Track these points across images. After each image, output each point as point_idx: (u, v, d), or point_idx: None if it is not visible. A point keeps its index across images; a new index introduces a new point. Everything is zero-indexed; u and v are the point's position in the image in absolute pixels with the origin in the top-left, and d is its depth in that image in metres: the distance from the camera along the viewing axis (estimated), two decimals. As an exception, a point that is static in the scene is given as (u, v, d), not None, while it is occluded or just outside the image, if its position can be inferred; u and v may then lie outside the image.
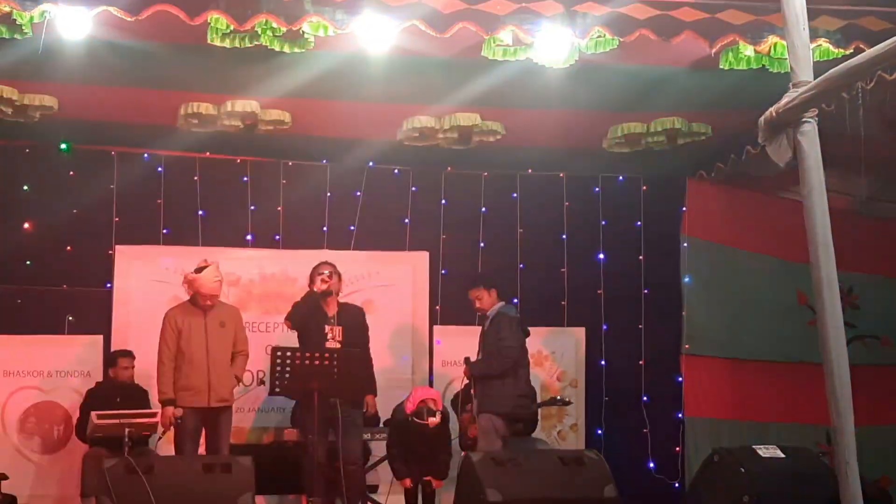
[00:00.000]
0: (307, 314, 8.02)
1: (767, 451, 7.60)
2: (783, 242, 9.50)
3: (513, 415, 8.22)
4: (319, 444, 7.53)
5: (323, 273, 8.03)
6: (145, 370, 8.46)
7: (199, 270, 8.03)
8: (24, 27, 6.46)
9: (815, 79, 5.07)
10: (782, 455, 7.60)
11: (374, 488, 8.62)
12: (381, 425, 8.57)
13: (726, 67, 7.10)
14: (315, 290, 8.01)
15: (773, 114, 5.20)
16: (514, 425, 8.31)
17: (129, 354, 8.53)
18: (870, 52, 4.86)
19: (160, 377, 7.91)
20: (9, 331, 8.88)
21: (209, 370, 7.88)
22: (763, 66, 7.05)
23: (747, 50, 6.95)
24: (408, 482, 8.18)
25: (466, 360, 8.25)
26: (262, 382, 8.73)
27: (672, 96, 8.00)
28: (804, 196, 5.02)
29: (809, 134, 5.02)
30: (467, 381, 8.21)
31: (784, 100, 5.12)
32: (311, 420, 7.44)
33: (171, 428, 7.92)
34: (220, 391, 7.90)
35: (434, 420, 7.97)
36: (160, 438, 8.30)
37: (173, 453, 7.97)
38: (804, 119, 5.04)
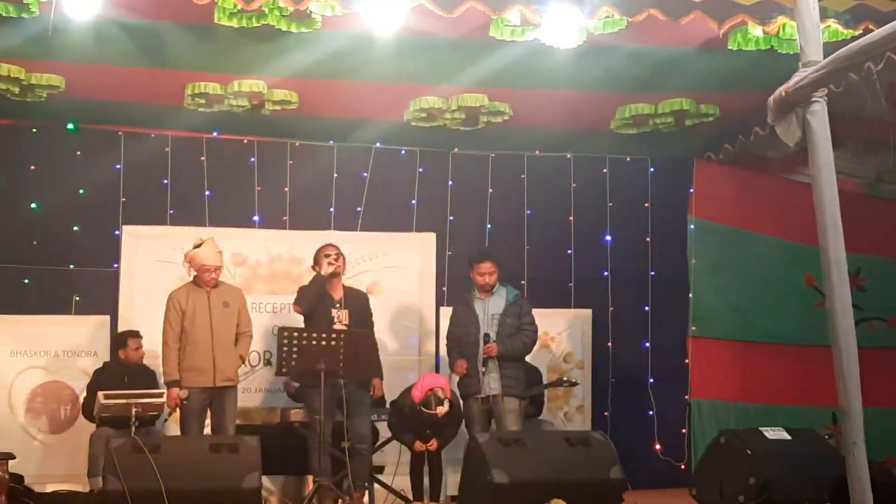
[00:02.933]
0: (315, 298, 7.99)
1: (774, 433, 7.61)
2: (791, 224, 9.48)
3: (527, 397, 8.27)
4: (326, 424, 7.55)
5: (329, 255, 8.00)
6: (151, 351, 8.47)
7: (197, 247, 7.99)
8: (31, 6, 6.47)
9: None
10: (788, 437, 7.63)
11: (381, 469, 8.62)
12: (388, 406, 8.57)
13: (735, 48, 7.08)
14: (321, 272, 8.00)
15: (783, 93, 5.17)
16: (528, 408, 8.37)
17: (137, 335, 8.51)
18: (879, 33, 4.82)
19: (165, 358, 7.89)
20: (16, 311, 8.89)
21: (214, 350, 7.86)
22: (772, 46, 7.03)
23: (756, 30, 6.93)
24: (418, 444, 8.03)
25: (487, 336, 8.03)
26: (268, 363, 8.71)
27: (680, 77, 7.98)
28: (813, 177, 5.00)
29: (819, 114, 4.99)
30: (488, 357, 8.01)
31: (793, 79, 5.09)
32: (318, 400, 7.46)
33: (177, 409, 7.94)
34: (224, 371, 7.89)
35: (442, 409, 7.85)
36: (167, 419, 8.31)
37: (179, 434, 7.99)
38: (813, 99, 5.00)
